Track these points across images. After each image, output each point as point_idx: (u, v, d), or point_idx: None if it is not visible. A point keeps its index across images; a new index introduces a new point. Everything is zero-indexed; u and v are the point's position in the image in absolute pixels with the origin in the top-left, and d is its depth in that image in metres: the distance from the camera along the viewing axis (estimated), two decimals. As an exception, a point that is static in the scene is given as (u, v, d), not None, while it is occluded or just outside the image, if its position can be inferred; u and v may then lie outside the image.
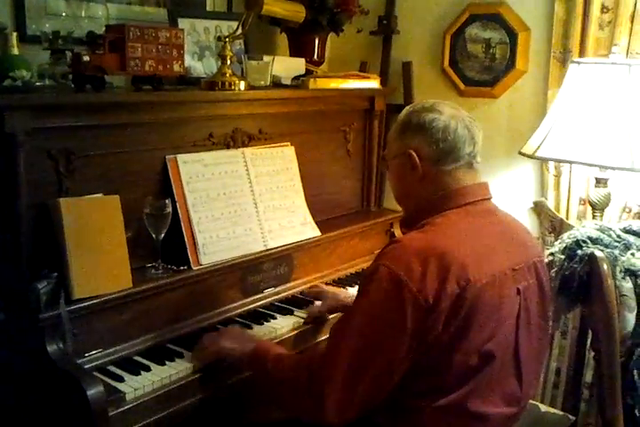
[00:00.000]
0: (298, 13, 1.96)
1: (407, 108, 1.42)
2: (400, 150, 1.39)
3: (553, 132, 1.89)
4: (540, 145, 1.90)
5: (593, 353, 1.74)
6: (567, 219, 2.24)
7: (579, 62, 1.88)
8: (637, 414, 1.60)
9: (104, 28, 1.62)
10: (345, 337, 1.28)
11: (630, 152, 1.74)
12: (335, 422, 1.26)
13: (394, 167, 1.44)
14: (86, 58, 1.52)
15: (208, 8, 2.24)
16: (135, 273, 1.58)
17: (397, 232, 2.41)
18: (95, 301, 1.47)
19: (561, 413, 1.89)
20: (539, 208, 2.36)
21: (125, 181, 1.65)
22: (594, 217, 2.01)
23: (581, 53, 2.11)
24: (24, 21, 1.77)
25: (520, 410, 1.36)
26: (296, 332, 1.78)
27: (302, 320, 1.81)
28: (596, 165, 1.85)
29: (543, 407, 1.83)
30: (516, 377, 1.33)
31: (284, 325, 1.77)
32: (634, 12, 2.00)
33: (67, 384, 1.33)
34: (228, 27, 2.12)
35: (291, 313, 1.84)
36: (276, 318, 1.80)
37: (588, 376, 2.14)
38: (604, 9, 2.07)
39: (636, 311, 1.69)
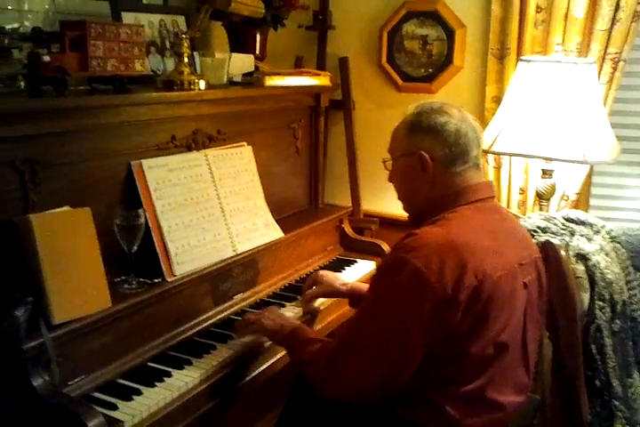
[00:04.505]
0: (258, 10, 1.88)
1: (414, 107, 1.42)
2: (409, 150, 1.39)
3: (506, 128, 1.97)
4: (494, 140, 1.98)
5: (548, 334, 1.85)
6: (508, 208, 2.35)
7: (528, 60, 1.97)
8: (598, 385, 1.72)
9: (58, 24, 1.47)
10: (364, 324, 1.32)
11: (582, 145, 1.86)
12: (355, 402, 1.35)
13: (400, 166, 1.44)
14: (47, 58, 1.37)
15: (144, 0, 2.09)
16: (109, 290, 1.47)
17: (347, 228, 2.42)
18: (76, 325, 1.35)
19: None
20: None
21: (91, 190, 1.52)
22: (540, 206, 2.13)
23: (519, 50, 2.22)
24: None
25: (526, 399, 1.42)
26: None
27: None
28: (551, 159, 1.96)
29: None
30: (524, 367, 1.39)
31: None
32: (566, 12, 2.13)
33: (60, 420, 1.21)
34: (172, 21, 2.00)
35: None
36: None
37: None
38: (537, 8, 2.18)
39: (589, 292, 1.82)
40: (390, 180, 1.49)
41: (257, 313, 1.65)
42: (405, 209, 1.49)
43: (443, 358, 1.28)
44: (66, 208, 1.43)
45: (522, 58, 2.06)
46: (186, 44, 1.75)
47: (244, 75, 2.08)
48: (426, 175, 1.37)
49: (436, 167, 1.37)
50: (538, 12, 2.18)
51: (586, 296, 1.78)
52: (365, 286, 1.78)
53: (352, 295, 1.80)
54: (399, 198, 1.49)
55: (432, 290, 1.22)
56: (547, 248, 1.75)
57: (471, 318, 1.25)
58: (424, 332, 1.25)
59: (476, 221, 1.35)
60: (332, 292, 1.84)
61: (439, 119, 1.36)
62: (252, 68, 2.12)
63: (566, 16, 2.13)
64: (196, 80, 1.76)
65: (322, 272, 1.92)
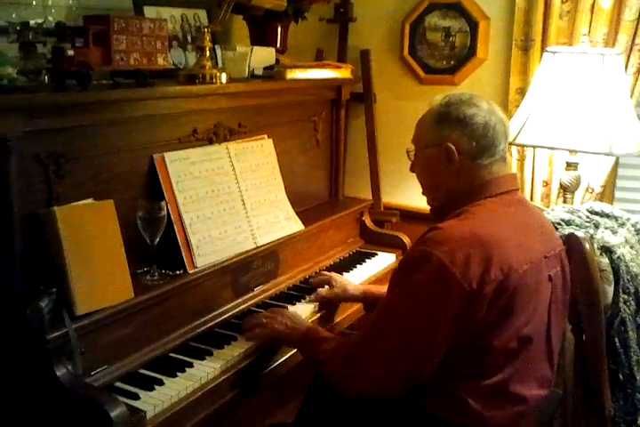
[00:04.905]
0: (280, 3, 1.88)
1: (442, 98, 1.40)
2: (435, 141, 1.37)
3: (531, 120, 1.95)
4: (519, 132, 1.96)
5: (570, 327, 1.83)
6: (532, 200, 2.33)
7: (553, 52, 1.94)
8: (621, 378, 1.70)
9: (82, 18, 1.49)
10: (387, 319, 1.31)
11: (608, 138, 1.83)
12: (375, 397, 1.34)
13: (424, 157, 1.42)
14: (71, 52, 1.38)
15: (167, -6, 2.10)
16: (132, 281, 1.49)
17: (368, 221, 2.42)
18: (100, 315, 1.37)
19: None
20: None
21: (114, 183, 1.54)
22: (564, 199, 2.11)
23: (543, 42, 2.19)
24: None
25: (549, 392, 1.41)
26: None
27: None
28: (577, 151, 1.93)
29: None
30: (548, 360, 1.38)
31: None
32: (593, 3, 2.09)
33: (83, 409, 1.24)
34: (193, 15, 2.01)
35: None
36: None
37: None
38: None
39: (613, 284, 1.80)
40: (412, 170, 1.48)
41: (268, 315, 1.61)
42: (428, 202, 1.48)
43: (466, 351, 1.28)
44: (89, 201, 1.45)
45: (547, 49, 2.03)
46: (207, 38, 1.75)
47: (266, 68, 2.08)
48: (451, 167, 1.36)
49: (463, 160, 1.35)
50: (563, 2, 2.16)
51: (610, 289, 1.76)
52: (377, 288, 1.78)
53: (366, 299, 1.80)
54: (423, 192, 1.48)
55: (458, 285, 1.21)
56: (571, 241, 1.73)
57: (496, 311, 1.24)
58: (449, 327, 1.24)
59: (501, 214, 1.34)
60: (347, 297, 1.84)
61: (468, 111, 1.34)
62: (273, 62, 2.12)
63: (592, 6, 2.09)
64: (218, 74, 1.76)
65: (334, 275, 1.91)
